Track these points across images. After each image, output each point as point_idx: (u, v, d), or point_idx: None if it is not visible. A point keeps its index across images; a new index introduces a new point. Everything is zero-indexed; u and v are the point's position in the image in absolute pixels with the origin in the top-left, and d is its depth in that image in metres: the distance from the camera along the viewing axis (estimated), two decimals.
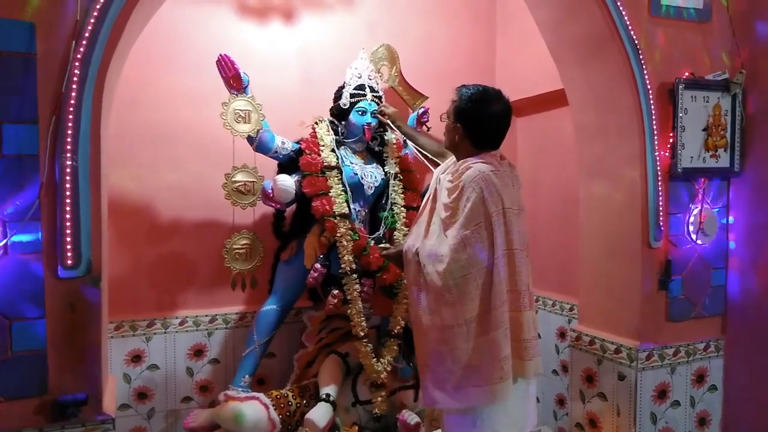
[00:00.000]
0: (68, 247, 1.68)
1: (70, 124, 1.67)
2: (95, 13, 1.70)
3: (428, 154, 2.53)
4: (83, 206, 1.69)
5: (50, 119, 1.67)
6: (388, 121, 2.70)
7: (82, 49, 1.69)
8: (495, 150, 1.93)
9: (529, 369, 1.81)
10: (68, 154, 1.67)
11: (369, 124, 2.68)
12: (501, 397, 1.74)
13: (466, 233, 1.74)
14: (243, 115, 2.45)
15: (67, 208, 1.67)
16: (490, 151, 1.91)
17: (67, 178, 1.67)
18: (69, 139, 1.67)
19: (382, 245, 2.32)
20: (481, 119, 1.89)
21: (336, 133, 2.73)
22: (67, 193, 1.67)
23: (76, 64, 1.68)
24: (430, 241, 1.85)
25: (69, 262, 1.68)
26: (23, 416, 1.67)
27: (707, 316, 2.54)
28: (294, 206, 2.69)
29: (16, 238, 1.65)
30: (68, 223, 1.68)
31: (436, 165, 2.27)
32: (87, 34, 1.69)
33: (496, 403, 1.75)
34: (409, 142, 2.73)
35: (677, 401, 2.48)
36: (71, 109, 1.67)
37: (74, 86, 1.68)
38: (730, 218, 2.56)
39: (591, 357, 2.55)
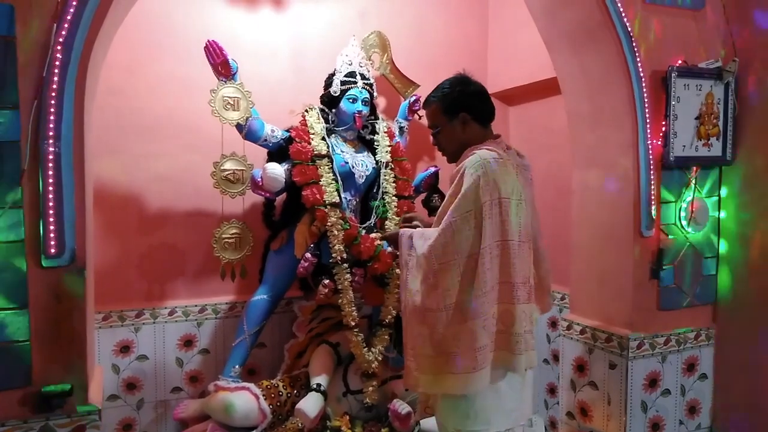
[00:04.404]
0: (51, 235, 1.64)
1: (52, 110, 1.63)
2: None
3: None
4: (66, 194, 1.66)
5: (31, 105, 1.62)
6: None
7: (63, 33, 1.64)
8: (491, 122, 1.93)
9: (520, 363, 1.77)
10: (50, 141, 1.63)
11: (360, 111, 2.65)
12: (474, 387, 1.70)
13: (454, 219, 1.73)
14: (232, 103, 2.42)
15: (50, 196, 1.64)
16: (491, 132, 1.91)
17: (50, 165, 1.63)
18: (51, 125, 1.63)
19: (375, 234, 2.31)
20: (474, 94, 1.90)
21: (326, 121, 2.69)
22: (50, 180, 1.63)
23: (58, 47, 1.63)
24: (430, 230, 1.84)
25: (52, 251, 1.65)
26: (7, 408, 1.64)
27: (698, 305, 2.54)
28: (284, 195, 2.67)
29: None
30: (51, 211, 1.64)
31: None
32: (69, 17, 1.64)
33: (469, 392, 1.72)
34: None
35: (668, 390, 2.49)
36: (53, 94, 1.63)
37: (56, 71, 1.63)
38: (722, 207, 2.56)
39: (582, 346, 2.55)
